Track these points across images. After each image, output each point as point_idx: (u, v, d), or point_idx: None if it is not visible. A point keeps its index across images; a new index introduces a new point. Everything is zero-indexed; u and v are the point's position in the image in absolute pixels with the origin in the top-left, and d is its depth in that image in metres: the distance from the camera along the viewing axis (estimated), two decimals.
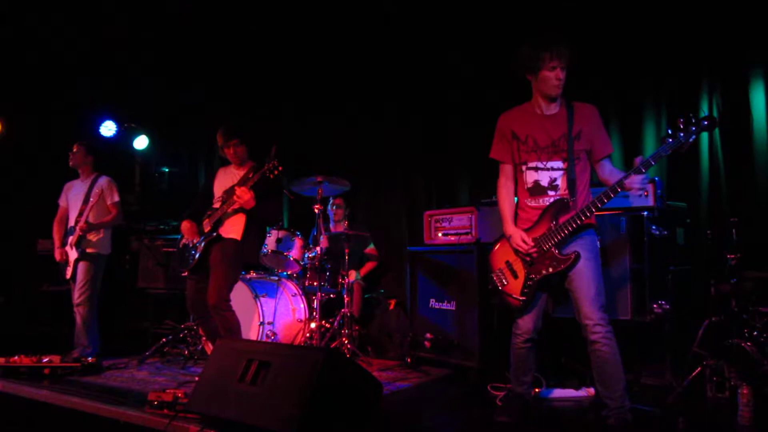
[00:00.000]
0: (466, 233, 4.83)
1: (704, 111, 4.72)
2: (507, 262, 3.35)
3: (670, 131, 2.98)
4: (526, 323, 3.35)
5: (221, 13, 6.46)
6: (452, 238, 4.93)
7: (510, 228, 3.33)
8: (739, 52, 4.55)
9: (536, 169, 3.28)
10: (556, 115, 3.28)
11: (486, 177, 5.78)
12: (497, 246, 3.45)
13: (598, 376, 3.14)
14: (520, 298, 3.26)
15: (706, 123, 2.94)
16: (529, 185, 3.31)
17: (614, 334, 3.10)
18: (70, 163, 5.24)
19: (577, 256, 3.10)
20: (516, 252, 3.31)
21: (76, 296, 4.97)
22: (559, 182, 3.24)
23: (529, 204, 3.32)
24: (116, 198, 5.21)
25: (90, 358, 4.64)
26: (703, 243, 4.31)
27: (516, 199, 3.43)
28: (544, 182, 3.27)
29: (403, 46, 6.18)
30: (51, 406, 3.78)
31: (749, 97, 4.52)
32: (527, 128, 3.31)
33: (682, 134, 2.94)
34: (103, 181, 5.22)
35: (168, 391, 3.39)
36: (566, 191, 3.21)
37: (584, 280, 3.11)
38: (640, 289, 3.95)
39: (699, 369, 3.67)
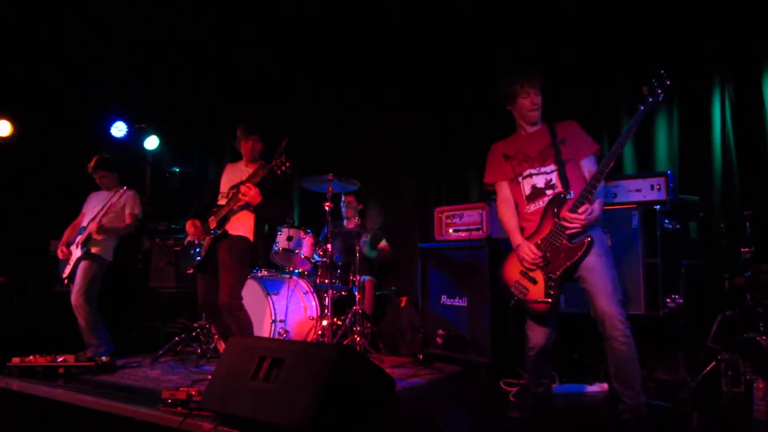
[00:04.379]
0: (477, 229, 4.82)
1: (716, 105, 4.69)
2: (521, 272, 3.31)
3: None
4: (537, 337, 3.33)
5: (231, 11, 6.47)
6: (463, 234, 4.92)
7: (516, 239, 3.33)
8: (750, 45, 4.51)
9: (531, 175, 3.34)
10: (538, 131, 3.41)
11: None
12: (507, 260, 3.41)
13: (615, 372, 3.09)
14: (547, 300, 3.20)
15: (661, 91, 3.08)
16: (528, 192, 3.35)
17: (631, 330, 3.05)
18: (103, 188, 5.32)
19: (591, 242, 3.08)
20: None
21: (74, 298, 4.96)
22: (554, 181, 3.26)
23: (530, 210, 3.33)
24: (136, 211, 5.23)
25: (104, 358, 4.67)
26: (717, 236, 4.28)
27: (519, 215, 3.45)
28: (541, 184, 3.30)
29: (415, 45, 6.16)
30: (66, 405, 3.80)
31: (762, 90, 4.48)
32: (516, 147, 3.45)
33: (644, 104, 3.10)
34: (129, 193, 5.25)
35: (181, 389, 3.40)
36: (563, 188, 3.24)
37: (598, 275, 3.08)
38: (653, 283, 3.93)
39: (713, 363, 3.65)
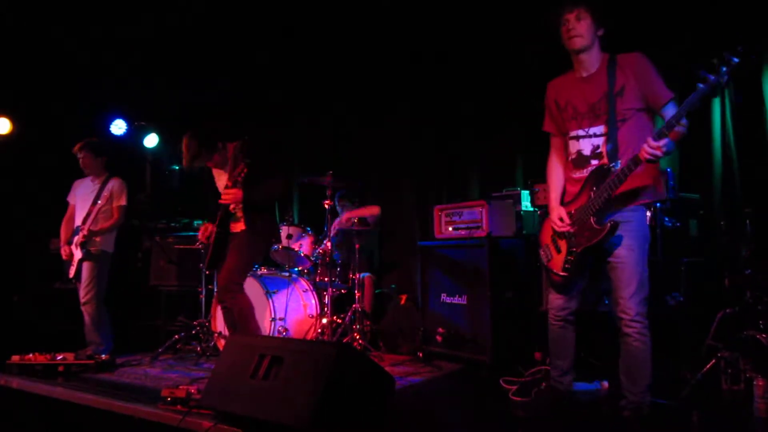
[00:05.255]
0: (477, 227, 4.82)
1: (716, 103, 4.68)
2: (552, 237, 3.21)
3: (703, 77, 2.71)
4: (553, 300, 3.24)
5: (232, 11, 6.46)
6: (463, 232, 4.91)
7: (552, 201, 3.21)
8: (752, 41, 4.49)
9: (577, 137, 3.13)
10: (594, 75, 3.09)
11: (496, 170, 5.80)
12: (545, 222, 3.31)
13: (625, 368, 3.02)
14: (561, 274, 3.12)
15: (736, 59, 2.73)
16: (573, 156, 3.15)
17: (649, 329, 2.99)
18: (81, 166, 5.23)
19: (614, 226, 2.90)
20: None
21: (82, 295, 4.97)
22: (601, 149, 3.03)
23: (574, 177, 3.15)
24: (123, 202, 5.15)
25: (103, 356, 4.67)
26: (717, 234, 4.27)
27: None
28: (587, 151, 3.10)
29: (414, 44, 6.15)
30: (66, 403, 3.79)
31: (762, 87, 4.47)
32: (567, 95, 3.17)
33: (713, 76, 2.72)
34: (115, 183, 5.17)
35: (181, 387, 3.40)
36: (607, 159, 3.02)
37: (626, 272, 2.96)
38: (653, 281, 3.91)
39: (713, 361, 3.64)
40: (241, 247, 4.22)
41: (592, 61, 3.09)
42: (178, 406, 3.32)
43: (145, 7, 6.29)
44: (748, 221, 3.74)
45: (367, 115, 6.68)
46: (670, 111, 2.89)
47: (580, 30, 3.00)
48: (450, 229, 5.04)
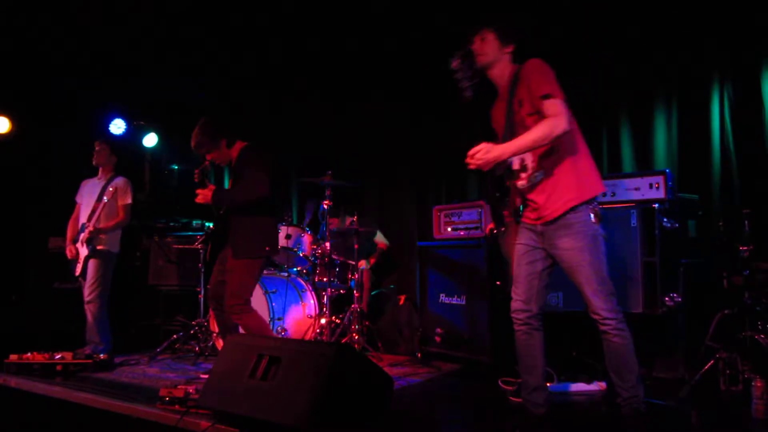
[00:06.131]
0: (476, 228, 4.82)
1: (715, 104, 4.68)
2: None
3: None
4: (516, 296, 3.08)
5: (228, 8, 6.45)
6: (462, 233, 4.91)
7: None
8: (751, 42, 4.50)
9: None
10: (502, 94, 3.14)
11: None
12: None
13: (611, 365, 2.98)
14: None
15: None
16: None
17: (626, 322, 2.92)
18: (94, 161, 5.21)
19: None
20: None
21: (87, 294, 4.98)
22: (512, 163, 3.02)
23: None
24: (128, 200, 5.15)
25: (102, 355, 4.67)
26: (716, 235, 4.27)
27: None
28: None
29: (416, 44, 6.15)
30: (63, 402, 3.80)
31: (761, 88, 4.47)
32: (494, 118, 3.26)
33: None
34: (119, 180, 5.17)
35: (179, 387, 3.40)
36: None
37: (583, 274, 2.89)
38: (651, 282, 3.92)
39: (712, 362, 3.64)
40: (230, 271, 4.02)
41: (503, 77, 3.12)
42: (176, 406, 3.32)
43: (145, 6, 6.28)
44: (746, 222, 3.74)
45: (368, 115, 6.68)
46: (547, 106, 2.83)
47: (484, 50, 3.08)
48: (449, 229, 5.04)
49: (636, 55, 4.94)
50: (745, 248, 3.71)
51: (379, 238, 6.18)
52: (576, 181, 2.91)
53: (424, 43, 6.08)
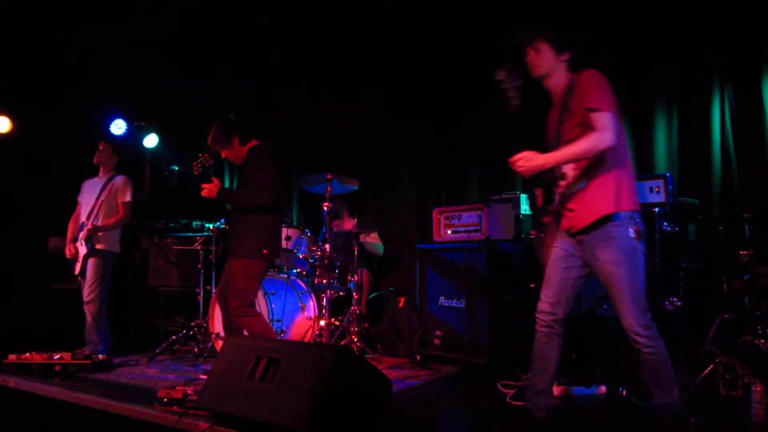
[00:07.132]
0: (476, 230, 4.81)
1: (716, 107, 4.68)
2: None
3: None
4: (545, 297, 3.12)
5: (228, 8, 6.46)
6: (462, 236, 4.91)
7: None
8: (751, 45, 4.50)
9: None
10: (556, 102, 3.16)
11: (496, 174, 5.79)
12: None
13: (647, 375, 2.98)
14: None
15: None
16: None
17: (658, 334, 2.93)
18: (95, 160, 5.23)
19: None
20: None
21: (86, 294, 4.98)
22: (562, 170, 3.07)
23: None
24: (127, 198, 5.16)
25: (101, 356, 4.67)
26: (716, 239, 4.27)
27: None
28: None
29: (415, 45, 6.15)
30: (62, 403, 3.80)
31: (761, 91, 4.47)
32: (548, 125, 3.22)
33: None
34: (119, 179, 5.19)
35: (178, 388, 3.40)
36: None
37: (618, 288, 2.90)
38: (651, 286, 3.89)
39: (711, 366, 3.64)
40: (233, 272, 4.03)
41: (558, 85, 3.14)
42: (175, 407, 3.32)
43: (145, 5, 6.29)
44: (746, 226, 3.74)
45: (368, 116, 6.68)
46: (595, 119, 2.86)
47: (538, 61, 3.10)
48: (449, 232, 5.04)
49: (636, 58, 4.94)
50: (745, 252, 3.71)
51: (374, 248, 6.12)
52: (614, 193, 2.92)
53: (425, 45, 6.10)
